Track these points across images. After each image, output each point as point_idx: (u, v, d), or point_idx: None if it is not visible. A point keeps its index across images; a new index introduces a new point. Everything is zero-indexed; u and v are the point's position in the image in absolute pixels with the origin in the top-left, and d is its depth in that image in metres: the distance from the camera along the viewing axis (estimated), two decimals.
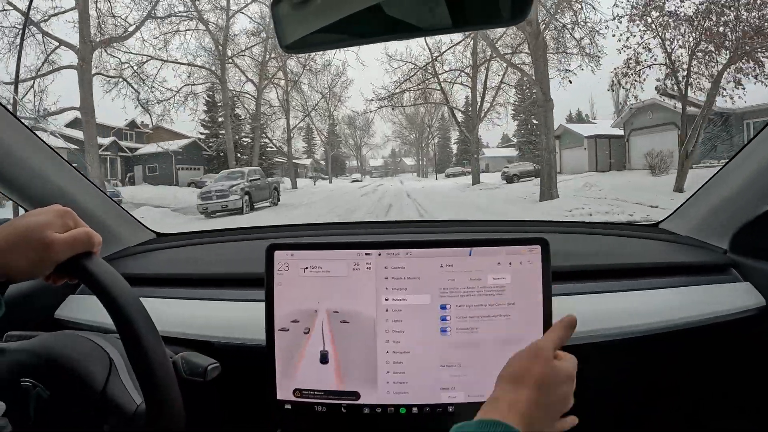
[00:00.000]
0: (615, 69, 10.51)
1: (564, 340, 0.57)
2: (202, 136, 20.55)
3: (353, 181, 28.44)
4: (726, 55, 9.06)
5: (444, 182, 24.05)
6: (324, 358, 0.71)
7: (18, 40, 11.79)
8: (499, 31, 13.19)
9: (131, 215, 1.23)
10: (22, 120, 0.90)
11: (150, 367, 0.54)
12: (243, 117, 19.89)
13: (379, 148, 32.18)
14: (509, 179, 17.43)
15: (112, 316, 0.55)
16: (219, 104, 19.67)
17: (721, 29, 9.16)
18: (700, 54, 9.46)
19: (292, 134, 19.99)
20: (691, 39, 9.56)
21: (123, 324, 0.54)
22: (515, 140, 27.64)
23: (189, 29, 15.25)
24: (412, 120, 26.99)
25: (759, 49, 8.74)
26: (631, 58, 10.19)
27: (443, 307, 0.70)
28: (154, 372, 0.54)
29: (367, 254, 0.72)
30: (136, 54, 14.13)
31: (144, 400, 0.57)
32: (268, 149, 20.54)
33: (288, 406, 0.72)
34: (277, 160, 21.82)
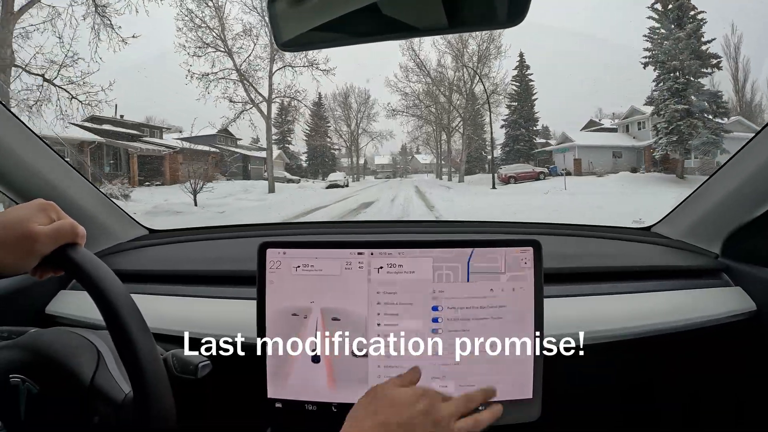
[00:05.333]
0: None
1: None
2: None
3: (330, 186, 17.17)
4: None
5: (530, 200, 11.60)
6: (316, 357, 0.71)
7: None
8: None
9: (124, 211, 1.22)
10: (14, 113, 0.89)
11: (140, 363, 0.54)
12: None
13: (384, 138, 21.10)
14: None
15: (102, 311, 0.54)
16: None
17: None
18: None
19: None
20: None
21: (112, 319, 0.54)
22: (654, 106, 13.49)
23: None
24: (432, 92, 17.69)
25: None
26: None
27: (435, 308, 0.70)
28: (144, 368, 0.54)
29: (359, 253, 0.72)
30: None
31: (134, 395, 0.56)
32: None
33: (279, 405, 0.72)
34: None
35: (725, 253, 1.02)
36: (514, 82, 18.99)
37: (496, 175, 15.71)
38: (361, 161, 23.28)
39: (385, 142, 21.81)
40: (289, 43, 0.71)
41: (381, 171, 25.69)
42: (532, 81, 19.48)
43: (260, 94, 15.11)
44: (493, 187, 14.82)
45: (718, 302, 0.93)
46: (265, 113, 15.45)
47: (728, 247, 1.01)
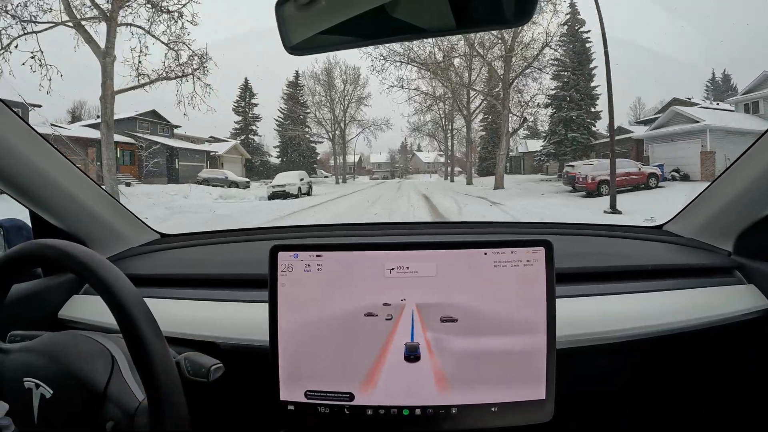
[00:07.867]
0: None
1: None
2: None
3: (273, 196, 11.68)
4: None
5: None
6: (331, 358, 0.71)
7: None
8: None
9: (135, 216, 1.23)
10: (25, 119, 0.90)
11: (153, 367, 0.55)
12: None
13: (378, 129, 15.74)
14: None
15: (116, 316, 0.55)
16: None
17: None
18: None
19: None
20: None
21: (126, 323, 0.54)
22: None
23: None
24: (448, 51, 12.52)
25: None
26: None
27: (448, 309, 0.70)
28: (157, 372, 0.55)
29: (371, 255, 0.72)
30: None
31: (147, 399, 0.57)
32: None
33: (291, 407, 0.72)
34: None
35: (738, 251, 1.00)
36: (563, 43, 12.82)
37: (561, 177, 9.02)
38: (353, 158, 17.96)
39: (380, 133, 16.43)
40: (297, 46, 0.71)
41: (377, 170, 20.81)
42: (590, 41, 12.77)
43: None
44: (616, 209, 7.27)
45: (731, 300, 0.91)
46: (102, 45, 7.76)
47: (741, 244, 0.99)
